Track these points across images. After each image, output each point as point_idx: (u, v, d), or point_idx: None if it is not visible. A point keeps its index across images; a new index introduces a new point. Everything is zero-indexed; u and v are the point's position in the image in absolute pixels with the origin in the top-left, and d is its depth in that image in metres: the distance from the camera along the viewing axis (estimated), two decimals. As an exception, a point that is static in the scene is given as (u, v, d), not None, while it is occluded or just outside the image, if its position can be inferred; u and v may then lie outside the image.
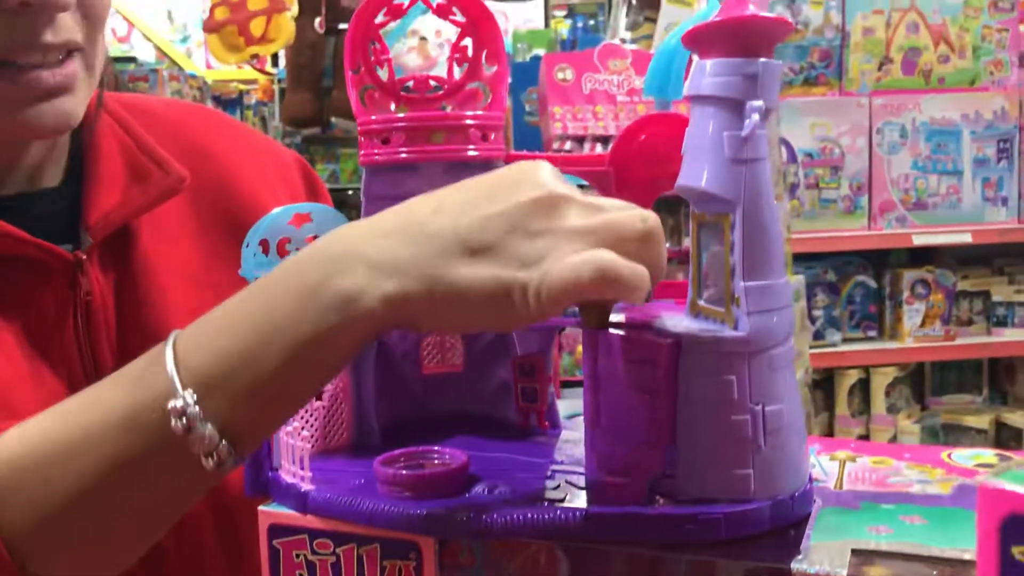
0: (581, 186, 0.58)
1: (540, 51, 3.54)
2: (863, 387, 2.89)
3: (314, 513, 0.58)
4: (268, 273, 0.54)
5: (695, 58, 0.56)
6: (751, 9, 0.53)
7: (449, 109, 0.70)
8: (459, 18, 0.70)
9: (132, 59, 4.39)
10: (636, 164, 0.64)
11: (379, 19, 0.69)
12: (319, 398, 0.66)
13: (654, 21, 2.99)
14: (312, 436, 0.65)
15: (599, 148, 2.83)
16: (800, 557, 0.50)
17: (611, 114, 2.84)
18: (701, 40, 0.55)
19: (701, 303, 0.57)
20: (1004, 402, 3.01)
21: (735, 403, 0.53)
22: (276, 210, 0.64)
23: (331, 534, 0.58)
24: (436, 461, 0.60)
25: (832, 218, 2.75)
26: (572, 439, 0.67)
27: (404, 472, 0.57)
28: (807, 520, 0.55)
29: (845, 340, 2.87)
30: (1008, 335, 2.88)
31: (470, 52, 0.70)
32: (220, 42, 3.22)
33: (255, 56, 3.29)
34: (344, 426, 0.68)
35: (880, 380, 2.86)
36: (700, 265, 0.58)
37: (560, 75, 2.88)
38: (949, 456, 0.65)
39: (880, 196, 2.80)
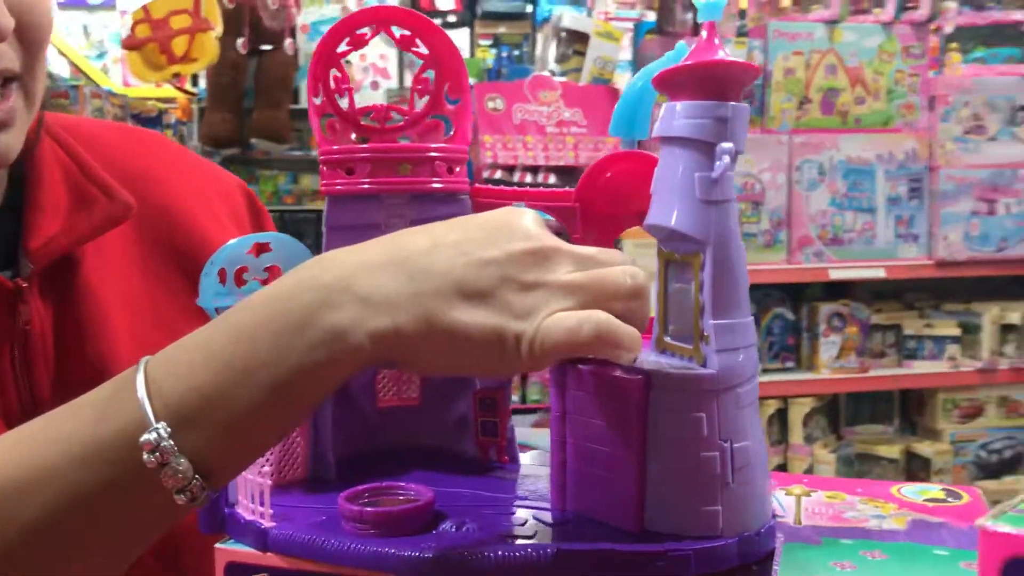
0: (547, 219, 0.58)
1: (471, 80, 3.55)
2: (781, 417, 2.95)
3: (275, 551, 0.57)
4: (246, 301, 0.52)
5: (665, 100, 0.57)
6: (721, 54, 0.54)
7: (409, 140, 0.70)
8: (422, 50, 0.70)
9: (48, 75, 4.26)
10: (601, 200, 0.64)
11: (341, 48, 0.68)
12: (275, 432, 0.65)
13: (583, 55, 3.03)
14: (270, 471, 0.64)
15: (528, 177, 2.86)
16: (770, 593, 0.50)
17: (540, 144, 2.87)
18: (672, 83, 0.56)
19: (667, 340, 0.58)
20: (914, 432, 3.11)
21: (704, 439, 0.53)
22: (234, 240, 0.63)
23: (294, 573, 0.56)
24: (401, 497, 0.59)
25: (753, 252, 2.82)
26: (533, 474, 0.67)
27: (369, 509, 0.56)
28: (772, 555, 0.55)
29: (764, 371, 2.94)
30: (918, 367, 2.98)
31: (431, 84, 0.70)
32: (141, 60, 3.15)
33: (176, 75, 3.23)
34: (299, 460, 0.67)
35: (798, 410, 2.93)
36: (666, 302, 0.58)
37: (491, 104, 2.90)
38: (899, 491, 0.67)
39: (799, 231, 2.88)
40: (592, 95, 2.96)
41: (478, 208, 0.67)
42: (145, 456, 0.49)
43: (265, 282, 0.64)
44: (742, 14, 3.09)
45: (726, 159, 0.54)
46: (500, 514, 0.58)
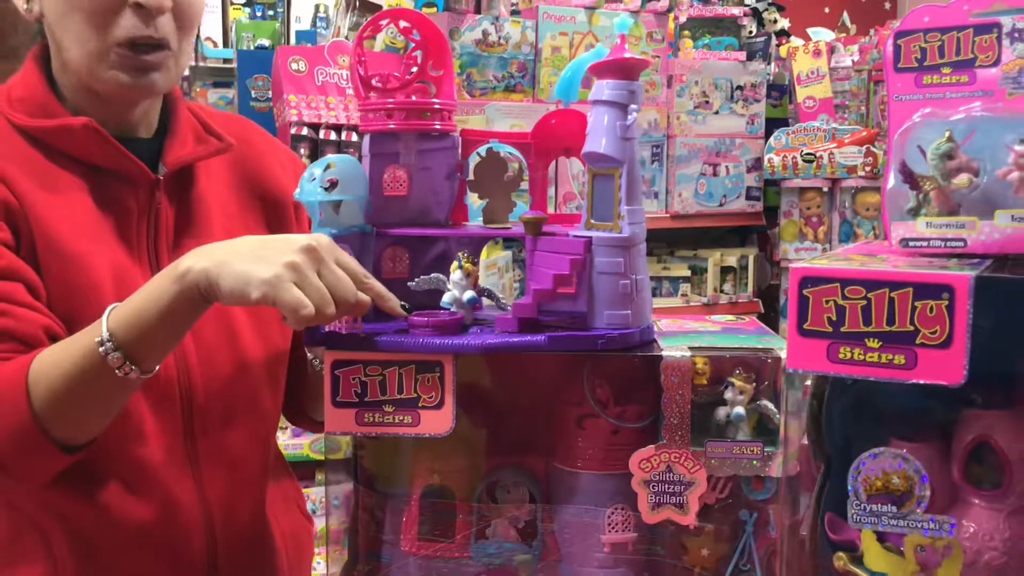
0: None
1: (264, 40, 3.77)
2: None
3: (369, 350, 0.92)
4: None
5: (594, 78, 0.97)
6: (628, 54, 0.95)
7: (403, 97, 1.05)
8: (416, 36, 1.05)
9: None
10: (546, 138, 1.03)
11: (366, 34, 1.03)
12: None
13: (378, 25, 3.35)
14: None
15: (333, 135, 3.15)
16: (664, 352, 0.92)
17: (342, 105, 3.17)
18: (600, 69, 0.96)
19: (593, 221, 0.98)
20: (654, 357, 3.74)
21: (622, 274, 0.94)
22: (318, 161, 0.96)
23: (379, 362, 0.92)
24: (442, 316, 0.95)
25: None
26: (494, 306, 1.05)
27: (433, 319, 0.92)
28: (654, 340, 0.98)
29: (537, 306, 3.44)
30: (658, 303, 3.58)
31: (419, 60, 1.06)
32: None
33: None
34: (347, 307, 1.01)
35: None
36: (593, 199, 0.98)
37: (294, 66, 3.16)
38: (709, 317, 1.11)
39: (564, 188, 3.38)
40: (385, 62, 3.29)
41: (465, 143, 1.04)
42: (100, 349, 0.94)
43: (327, 189, 0.98)
44: (517, -5, 3.53)
45: (634, 114, 0.94)
46: (498, 320, 0.96)
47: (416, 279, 0.99)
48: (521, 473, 1.02)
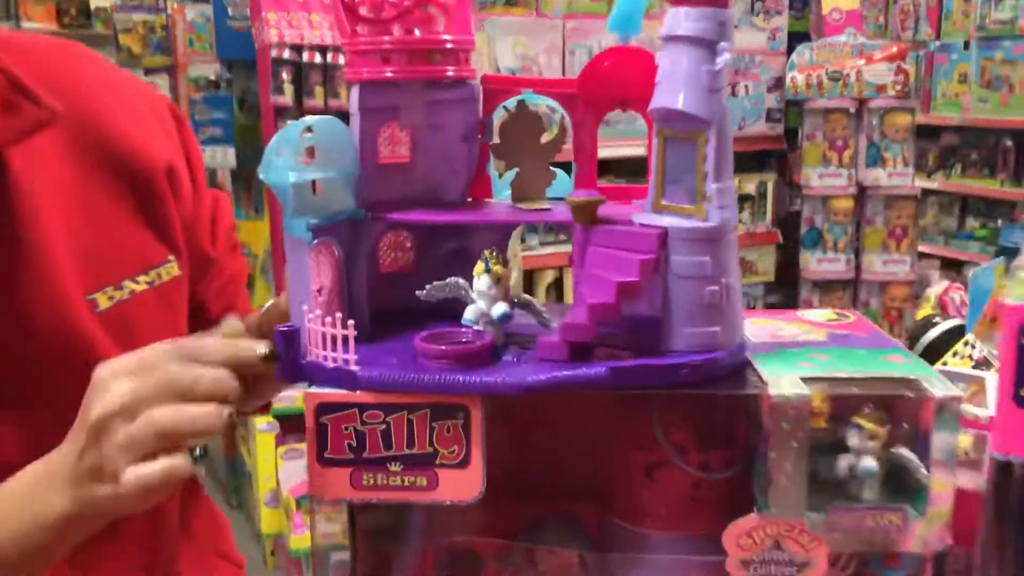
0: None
1: (238, -46, 3.42)
2: (558, 285, 3.23)
3: (367, 389, 0.67)
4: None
5: (668, 5, 0.70)
6: (717, -32, 0.68)
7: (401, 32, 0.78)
8: (418, -51, 0.78)
9: None
10: (597, 85, 0.77)
11: (350, -54, 0.75)
12: (320, 293, 0.73)
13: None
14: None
15: (318, 57, 2.85)
16: (771, 388, 0.68)
17: (326, 23, 2.86)
18: (678, -9, 0.69)
19: (665, 202, 0.73)
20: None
21: (710, 277, 0.69)
22: (289, 127, 0.70)
23: (381, 406, 0.67)
24: (463, 340, 0.70)
25: (533, 131, 3.01)
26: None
27: (452, 347, 0.67)
28: (748, 364, 0.73)
29: (542, 244, 3.19)
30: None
31: (423, -19, 0.79)
32: None
33: None
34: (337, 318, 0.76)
35: (571, 278, 3.21)
36: (664, 172, 0.73)
37: (272, -19, 2.84)
38: (802, 315, 0.86)
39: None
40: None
41: (487, 95, 0.78)
42: None
43: (305, 161, 0.72)
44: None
45: (726, 55, 0.68)
46: (541, 344, 0.71)
47: (428, 287, 0.73)
48: (568, 528, 0.78)
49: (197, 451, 0.79)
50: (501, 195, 0.82)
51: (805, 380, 0.69)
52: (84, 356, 0.78)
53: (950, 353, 1.00)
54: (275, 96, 2.88)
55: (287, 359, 0.69)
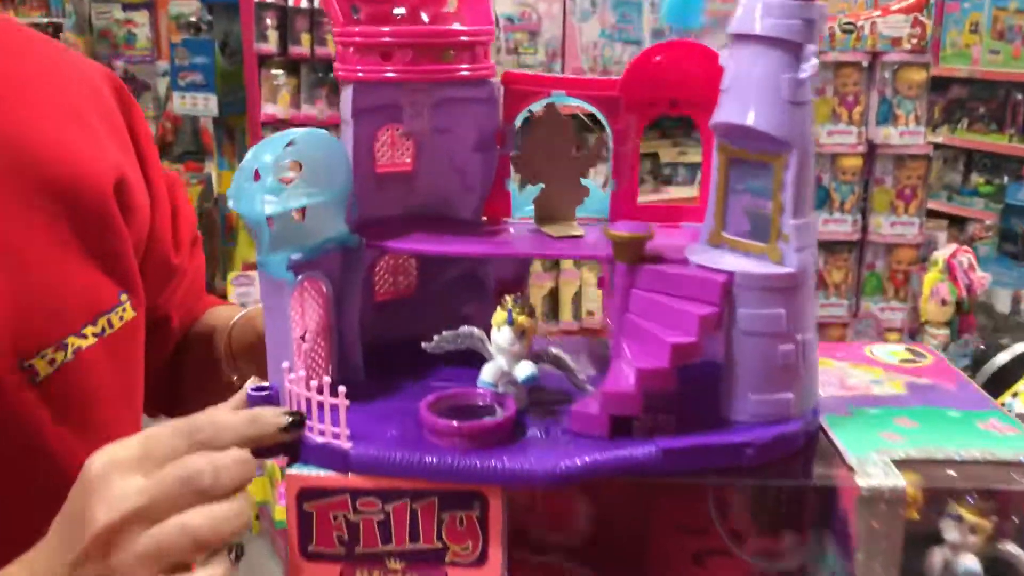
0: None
1: None
2: (552, 296, 3.08)
3: (360, 472, 0.54)
4: None
5: (740, -6, 0.56)
6: (804, -52, 0.54)
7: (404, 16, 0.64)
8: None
9: None
10: (645, 84, 0.63)
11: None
12: (304, 339, 0.60)
13: None
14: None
15: (304, 1, 2.67)
16: (857, 474, 0.55)
17: (312, -34, 2.67)
18: (755, -23, 0.55)
19: (727, 235, 0.60)
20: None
21: (784, 335, 0.56)
22: (262, 144, 0.56)
23: (378, 492, 0.55)
24: (480, 405, 0.58)
25: (529, 83, 2.84)
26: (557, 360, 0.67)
27: (466, 424, 0.54)
28: (822, 432, 0.61)
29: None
30: (673, 192, 3.20)
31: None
32: None
33: None
34: (322, 366, 0.63)
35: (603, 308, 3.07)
36: (727, 199, 0.59)
37: (253, -82, 2.64)
38: (872, 352, 0.74)
39: (572, 63, 2.93)
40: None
41: (509, 96, 0.64)
42: None
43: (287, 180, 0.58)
44: None
45: (814, 60, 0.54)
46: (576, 415, 0.58)
47: (436, 338, 0.60)
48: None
49: (233, 553, 0.61)
50: (521, 211, 0.68)
51: (897, 463, 0.57)
52: (21, 441, 0.64)
53: (1023, 382, 0.88)
54: (258, 43, 2.69)
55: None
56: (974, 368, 1.01)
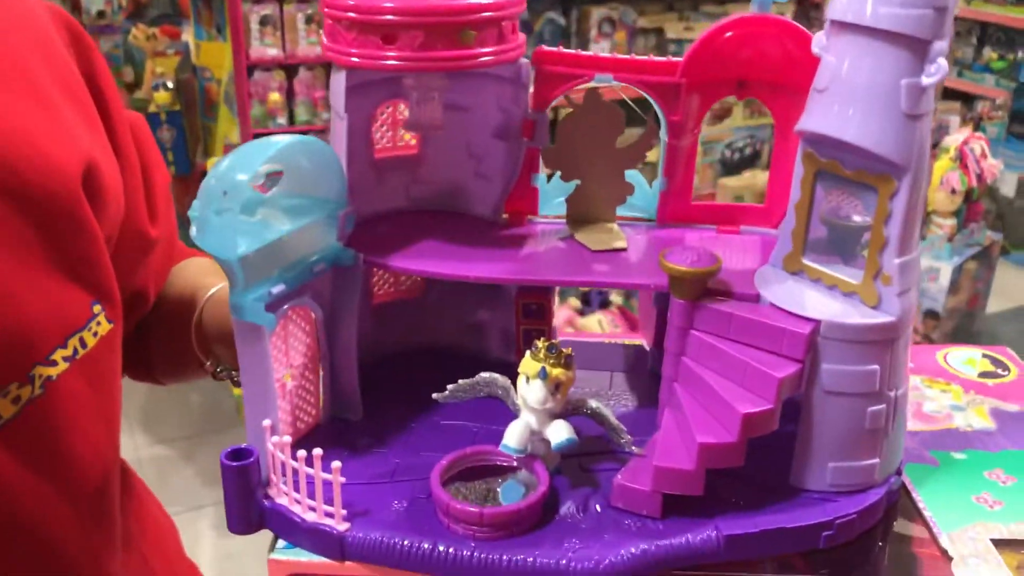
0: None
1: None
2: None
3: (357, 560, 0.45)
4: None
5: (848, -34, 0.43)
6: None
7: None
8: None
9: None
10: (709, 63, 0.50)
11: None
12: (293, 377, 0.50)
13: None
14: (285, 424, 0.50)
15: None
16: (956, 566, 0.46)
17: None
18: (870, -52, 0.42)
19: (807, 263, 0.49)
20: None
21: (876, 394, 0.46)
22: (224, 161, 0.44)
23: (380, 582, 0.45)
24: (498, 462, 0.48)
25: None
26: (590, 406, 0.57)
27: (488, 510, 0.45)
28: (903, 492, 0.51)
29: (536, 79, 2.88)
30: (678, 70, 3.04)
31: None
32: None
33: None
34: (313, 403, 0.53)
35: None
36: (808, 219, 0.48)
37: None
38: (946, 360, 0.64)
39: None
40: None
41: (541, 78, 0.51)
42: None
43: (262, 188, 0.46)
44: None
45: (942, 62, 0.42)
46: (620, 489, 0.48)
47: (450, 387, 0.49)
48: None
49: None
50: (550, 206, 0.56)
51: (998, 544, 0.48)
52: None
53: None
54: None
55: (239, 500, 0.46)
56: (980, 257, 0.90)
